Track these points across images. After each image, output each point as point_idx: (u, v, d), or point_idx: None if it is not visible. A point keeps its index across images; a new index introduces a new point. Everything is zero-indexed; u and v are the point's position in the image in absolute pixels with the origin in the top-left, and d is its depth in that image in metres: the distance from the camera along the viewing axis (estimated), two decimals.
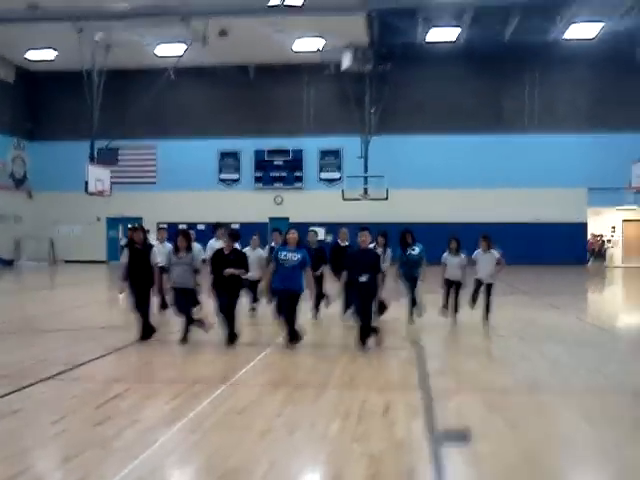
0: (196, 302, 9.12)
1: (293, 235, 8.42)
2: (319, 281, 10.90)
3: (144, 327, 8.86)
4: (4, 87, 28.98)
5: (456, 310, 10.72)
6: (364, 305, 8.20)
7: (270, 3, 18.33)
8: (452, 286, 10.65)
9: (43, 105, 30.43)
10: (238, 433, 4.99)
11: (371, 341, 8.31)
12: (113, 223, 29.71)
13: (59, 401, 5.89)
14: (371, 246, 9.53)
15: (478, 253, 10.69)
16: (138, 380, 6.88)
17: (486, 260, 10.57)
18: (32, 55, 27.31)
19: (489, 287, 10.59)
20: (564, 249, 26.66)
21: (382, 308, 10.75)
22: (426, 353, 8.15)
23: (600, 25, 24.50)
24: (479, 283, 10.71)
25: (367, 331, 8.24)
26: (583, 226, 27.79)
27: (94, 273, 24.24)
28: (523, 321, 11.37)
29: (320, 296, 11.16)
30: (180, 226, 22.06)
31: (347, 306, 9.93)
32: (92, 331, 9.85)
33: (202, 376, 6.94)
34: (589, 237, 28.68)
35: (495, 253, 10.63)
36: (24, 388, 6.25)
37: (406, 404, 5.74)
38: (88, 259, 28.89)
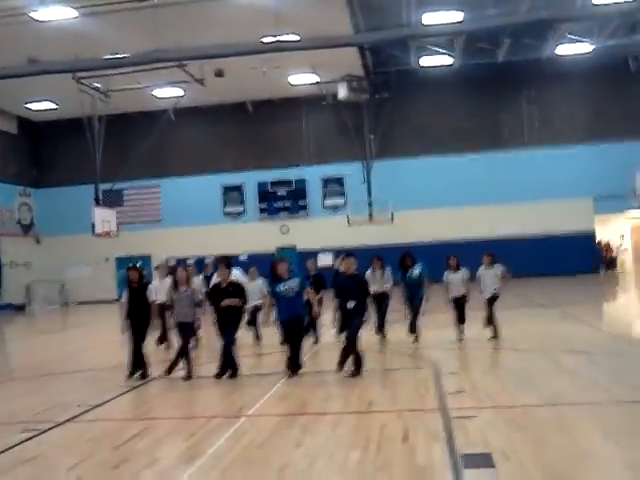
0: (193, 335, 9.10)
1: (282, 268, 8.45)
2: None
3: (138, 366, 8.76)
4: (8, 138, 29.47)
5: (462, 324, 10.58)
6: (350, 329, 8.15)
7: (264, 40, 18.56)
8: (458, 303, 10.56)
9: (47, 153, 30.91)
10: (258, 468, 4.92)
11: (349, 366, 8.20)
12: (122, 263, 29.78)
13: (75, 445, 5.83)
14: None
15: (482, 269, 10.64)
16: (154, 418, 6.82)
17: (490, 275, 10.51)
18: (33, 105, 27.84)
19: (493, 299, 10.48)
20: (574, 259, 26.44)
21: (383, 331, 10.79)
22: (443, 373, 8.04)
23: (590, 46, 24.78)
24: (488, 301, 10.57)
25: (347, 353, 8.17)
26: (591, 235, 27.65)
27: (104, 313, 24.19)
28: (539, 333, 11.26)
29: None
30: (188, 261, 22.11)
31: (341, 330, 9.87)
32: (105, 372, 9.80)
33: (218, 411, 6.89)
34: (605, 244, 28.63)
35: (499, 267, 10.58)
36: (40, 434, 6.19)
37: (426, 428, 5.63)
38: (99, 299, 28.91)
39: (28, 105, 27.80)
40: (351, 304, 8.12)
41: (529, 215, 27.04)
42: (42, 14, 17.98)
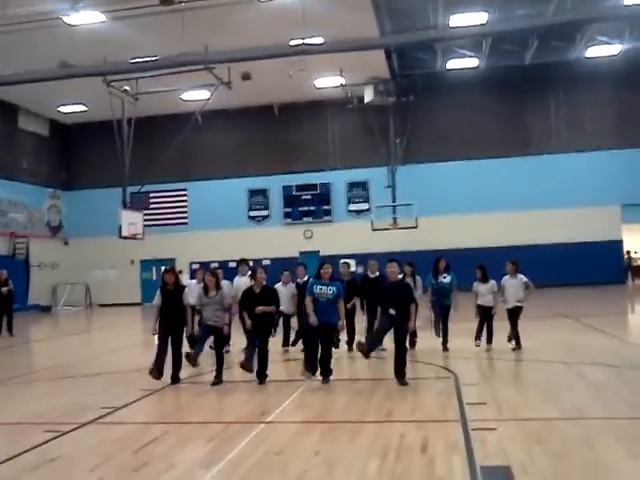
0: (226, 340, 9.13)
1: (328, 270, 8.46)
2: (351, 314, 10.83)
3: (178, 369, 8.85)
4: (40, 140, 30.09)
5: (490, 337, 10.52)
6: (397, 339, 8.09)
7: (291, 43, 18.66)
8: (485, 313, 10.48)
9: (77, 155, 31.46)
10: (277, 475, 4.92)
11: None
12: (147, 265, 30.13)
13: (96, 447, 5.92)
14: (400, 276, 9.44)
15: (506, 279, 10.54)
16: (174, 423, 6.87)
17: (514, 285, 10.40)
18: (65, 108, 28.42)
19: (517, 311, 10.37)
20: (600, 268, 25.96)
21: (412, 339, 10.69)
22: (463, 383, 7.97)
23: (619, 47, 24.41)
24: (510, 312, 10.46)
25: (403, 364, 8.10)
26: (619, 244, 27.16)
27: (128, 316, 24.52)
28: (564, 345, 11.09)
29: (353, 329, 11.09)
30: (212, 265, 22.26)
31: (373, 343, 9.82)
32: (127, 374, 9.91)
33: (238, 416, 6.90)
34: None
35: (522, 277, 10.46)
36: (62, 435, 6.29)
37: (445, 439, 5.60)
38: (123, 302, 29.25)
39: (60, 108, 28.36)
40: (393, 311, 7.99)
41: (555, 222, 26.62)
42: (73, 18, 18.33)
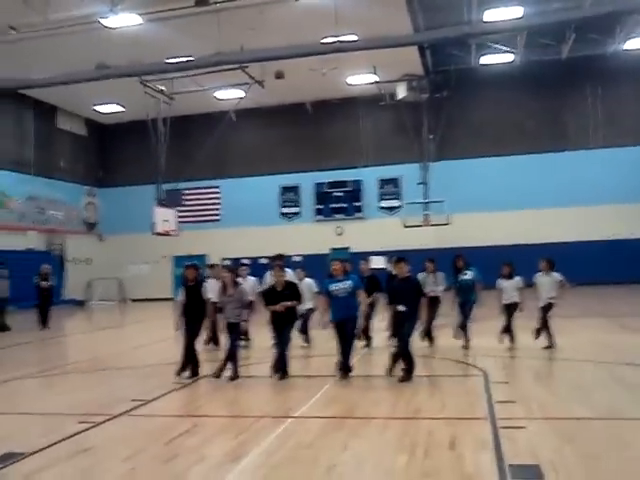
0: (239, 336, 9.21)
1: (336, 266, 8.53)
2: (372, 308, 10.78)
3: (189, 363, 8.95)
4: (77, 139, 30.80)
5: (511, 332, 10.40)
6: (402, 334, 8.17)
7: (324, 41, 18.67)
8: (508, 310, 10.38)
9: (113, 153, 32.08)
10: (306, 468, 4.96)
11: (398, 370, 8.21)
12: (179, 261, 30.50)
13: (130, 438, 6.04)
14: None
15: (538, 275, 10.40)
16: (205, 416, 6.97)
17: (547, 283, 10.25)
18: (102, 108, 28.98)
19: (548, 307, 10.20)
20: (637, 266, 25.31)
21: (430, 336, 10.64)
22: (493, 381, 7.89)
23: None
24: (541, 309, 10.32)
25: (398, 358, 8.22)
26: None
27: (160, 311, 24.83)
28: (598, 344, 10.90)
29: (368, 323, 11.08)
30: (243, 261, 22.45)
31: (394, 335, 9.84)
32: (159, 368, 10.06)
33: (267, 411, 6.96)
34: None
35: (557, 275, 10.29)
36: (96, 426, 6.44)
37: (474, 436, 5.56)
38: (156, 297, 29.68)
39: (97, 107, 28.92)
40: (402, 307, 8.09)
41: (592, 219, 26.10)
42: (111, 21, 18.67)
